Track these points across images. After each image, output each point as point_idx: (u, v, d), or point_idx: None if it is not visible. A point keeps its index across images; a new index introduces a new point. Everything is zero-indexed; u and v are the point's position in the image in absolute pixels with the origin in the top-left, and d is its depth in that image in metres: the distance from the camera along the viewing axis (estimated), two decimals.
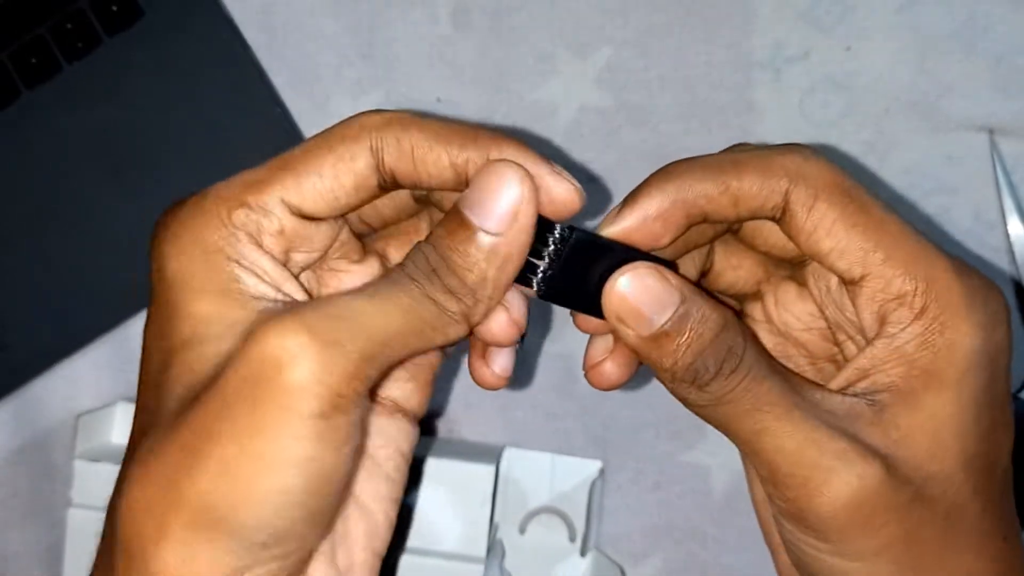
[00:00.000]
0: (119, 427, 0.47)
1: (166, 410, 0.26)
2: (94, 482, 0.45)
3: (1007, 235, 0.46)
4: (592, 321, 0.29)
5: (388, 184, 0.28)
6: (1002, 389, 0.28)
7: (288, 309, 0.25)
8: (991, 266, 0.46)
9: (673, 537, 0.47)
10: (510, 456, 0.46)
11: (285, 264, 0.28)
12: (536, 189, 0.27)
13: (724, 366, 0.26)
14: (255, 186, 0.27)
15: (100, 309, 0.48)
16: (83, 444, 0.46)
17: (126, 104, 0.48)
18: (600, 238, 0.28)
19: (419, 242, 0.27)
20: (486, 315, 0.27)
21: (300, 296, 0.28)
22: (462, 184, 0.28)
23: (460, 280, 0.27)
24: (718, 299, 0.29)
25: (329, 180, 0.27)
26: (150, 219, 0.47)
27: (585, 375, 0.30)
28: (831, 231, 0.27)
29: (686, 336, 0.26)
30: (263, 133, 0.48)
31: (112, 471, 0.44)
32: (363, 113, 0.28)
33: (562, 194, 0.27)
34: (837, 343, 0.31)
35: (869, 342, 0.28)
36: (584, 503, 0.46)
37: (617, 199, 0.48)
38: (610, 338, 0.30)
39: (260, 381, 0.24)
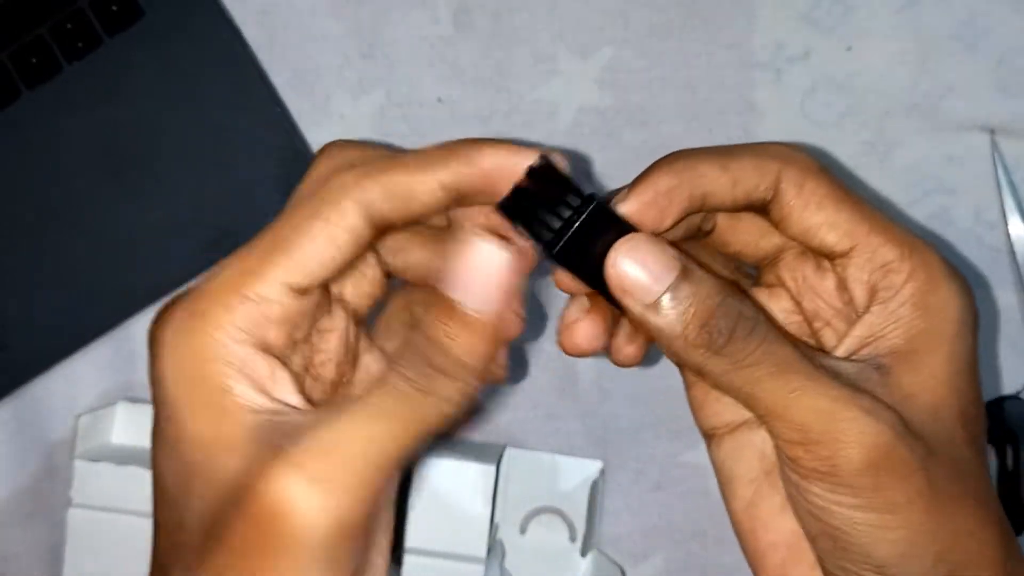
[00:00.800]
0: (119, 427, 0.47)
1: (187, 543, 0.27)
2: (94, 482, 0.45)
3: (1008, 235, 0.46)
4: (577, 347, 0.30)
5: (382, 229, 0.28)
6: (976, 358, 0.29)
7: (280, 445, 0.26)
8: (991, 266, 0.46)
9: (674, 537, 0.47)
10: (510, 456, 0.46)
11: (285, 349, 0.28)
12: (516, 258, 0.27)
13: (738, 329, 0.27)
14: (251, 276, 0.27)
15: (100, 309, 0.48)
16: (83, 444, 0.46)
17: (126, 104, 0.48)
18: (615, 214, 0.28)
19: (410, 332, 0.27)
20: (481, 383, 0.28)
21: (292, 396, 0.28)
22: (456, 202, 0.28)
23: (452, 360, 0.27)
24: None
25: (323, 245, 0.27)
26: (150, 219, 0.48)
27: (558, 339, 0.30)
28: (821, 205, 0.29)
29: (691, 299, 0.27)
30: (263, 133, 0.48)
31: (112, 471, 0.44)
32: (334, 171, 0.28)
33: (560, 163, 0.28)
34: (814, 333, 0.32)
35: (865, 311, 0.29)
36: (585, 503, 0.46)
37: None
38: (586, 300, 0.30)
39: (267, 533, 0.25)
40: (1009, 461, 0.45)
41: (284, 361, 0.28)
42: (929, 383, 0.28)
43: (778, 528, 0.31)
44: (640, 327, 0.28)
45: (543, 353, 0.48)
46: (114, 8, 0.47)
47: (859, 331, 0.29)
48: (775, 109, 0.47)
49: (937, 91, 0.46)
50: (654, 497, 0.47)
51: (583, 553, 0.46)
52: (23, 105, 0.48)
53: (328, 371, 0.31)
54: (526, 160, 0.28)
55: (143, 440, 0.46)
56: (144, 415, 0.47)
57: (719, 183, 0.29)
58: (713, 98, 0.47)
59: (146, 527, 0.44)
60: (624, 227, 0.28)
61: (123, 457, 0.45)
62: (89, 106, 0.48)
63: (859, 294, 0.29)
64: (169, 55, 0.48)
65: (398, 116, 0.48)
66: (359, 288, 0.32)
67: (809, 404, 0.27)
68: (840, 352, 0.29)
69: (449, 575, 0.43)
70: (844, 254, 0.29)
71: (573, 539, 0.46)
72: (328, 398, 0.30)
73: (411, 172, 0.28)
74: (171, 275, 0.48)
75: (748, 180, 0.29)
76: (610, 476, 0.47)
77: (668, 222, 0.29)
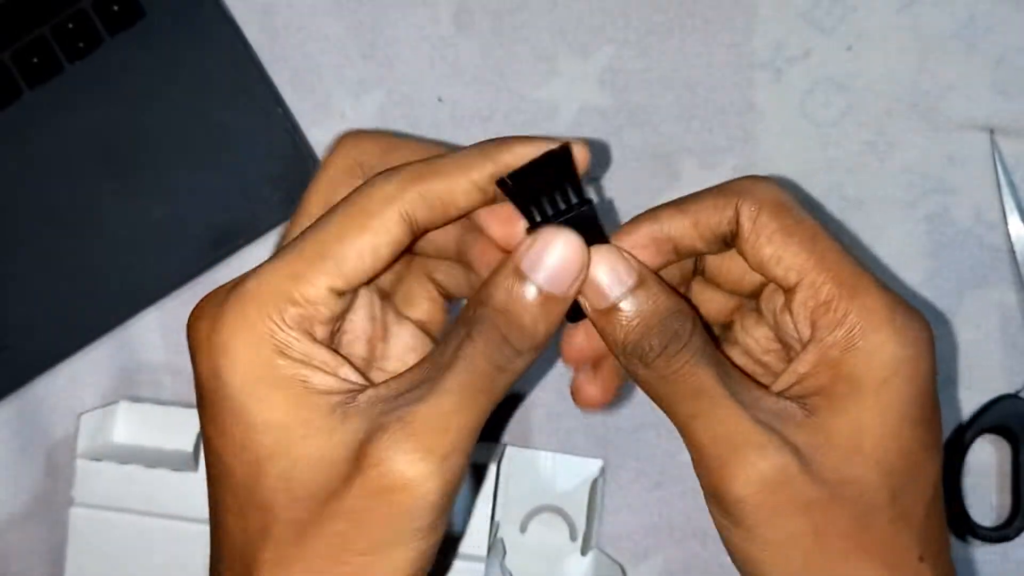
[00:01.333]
0: (120, 426, 0.47)
1: (279, 520, 0.28)
2: (96, 481, 0.45)
3: (1008, 235, 0.46)
4: (577, 352, 0.32)
5: (420, 234, 0.30)
6: (930, 414, 0.29)
7: (384, 422, 0.28)
8: (991, 266, 0.46)
9: (674, 536, 0.47)
10: (511, 455, 0.46)
11: (332, 341, 0.30)
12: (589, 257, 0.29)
13: (669, 347, 0.29)
14: (299, 281, 0.28)
15: (102, 308, 0.48)
16: (85, 443, 0.46)
17: (127, 104, 0.48)
18: (600, 224, 0.30)
19: (475, 302, 0.29)
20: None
21: (354, 375, 0.29)
22: (490, 199, 0.30)
23: (528, 339, 0.29)
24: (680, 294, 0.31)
25: (369, 258, 0.29)
26: (151, 218, 0.48)
27: (572, 397, 0.34)
28: (771, 239, 0.29)
29: (635, 313, 0.29)
30: (264, 133, 0.48)
31: (114, 470, 0.45)
32: (375, 180, 0.29)
33: (582, 154, 0.30)
34: (789, 360, 0.32)
35: (803, 348, 0.29)
36: (585, 502, 0.46)
37: (618, 198, 0.48)
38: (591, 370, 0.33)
39: (386, 500, 0.27)
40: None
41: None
42: (848, 429, 0.28)
43: None
44: (593, 325, 0.30)
45: (544, 352, 0.48)
46: (115, 8, 0.47)
47: (796, 367, 0.29)
48: (775, 109, 0.47)
49: (937, 91, 0.46)
50: (654, 496, 0.47)
51: (583, 552, 0.46)
52: (24, 104, 0.48)
53: (359, 348, 0.33)
54: (545, 143, 0.29)
55: (145, 439, 0.47)
56: (145, 414, 0.47)
57: (681, 226, 0.30)
58: (713, 98, 0.47)
59: (148, 525, 0.44)
60: (601, 239, 0.30)
61: (125, 456, 0.45)
62: (90, 106, 0.48)
63: (802, 329, 0.30)
64: (170, 55, 0.48)
65: (399, 115, 0.48)
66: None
67: (707, 429, 0.28)
68: (777, 385, 0.30)
69: (450, 573, 0.43)
70: (791, 288, 0.30)
71: (573, 538, 0.46)
72: (367, 373, 0.31)
73: (449, 178, 0.29)
74: (172, 274, 0.48)
75: (708, 219, 0.30)
76: (610, 475, 0.47)
77: None
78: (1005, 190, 0.46)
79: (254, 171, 0.48)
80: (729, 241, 0.31)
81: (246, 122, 0.48)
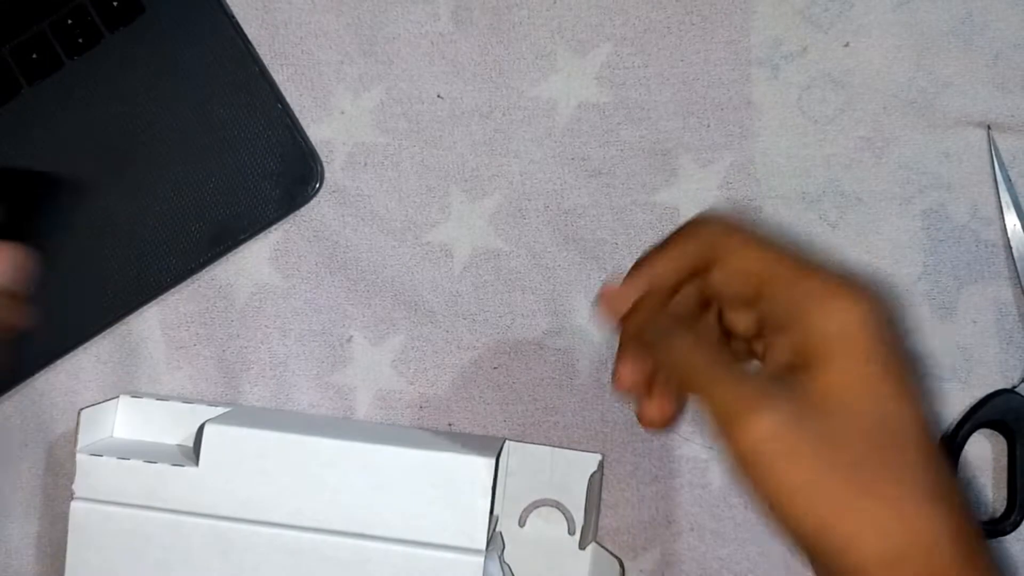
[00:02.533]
0: (121, 421, 0.47)
1: None
2: (96, 476, 0.45)
3: (1004, 230, 0.46)
4: (624, 381, 0.37)
5: None
6: (896, 368, 0.32)
7: None
8: (988, 261, 0.46)
9: (672, 530, 0.47)
10: (510, 449, 0.46)
11: None
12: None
13: (674, 332, 0.34)
14: None
15: (102, 304, 0.48)
16: (85, 438, 0.46)
17: (127, 100, 0.48)
18: None
19: None
20: None
21: None
22: None
23: None
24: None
25: None
26: (151, 215, 0.48)
27: (639, 421, 0.38)
28: (723, 269, 0.35)
29: (639, 315, 0.36)
30: (264, 129, 0.48)
31: (114, 464, 0.45)
32: None
33: None
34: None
35: (774, 333, 0.34)
36: (583, 496, 0.46)
37: (616, 196, 0.48)
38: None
39: None
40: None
41: None
42: (823, 391, 0.31)
43: None
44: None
45: (542, 348, 0.48)
46: (115, 4, 0.47)
47: (772, 354, 0.33)
48: (772, 105, 0.47)
49: (934, 87, 0.46)
50: (652, 490, 0.47)
51: (582, 546, 0.46)
52: (24, 101, 0.48)
53: None
54: None
55: (144, 434, 0.47)
56: (145, 409, 0.47)
57: (665, 271, 0.36)
58: (711, 94, 0.47)
59: (148, 520, 0.44)
60: None
61: (124, 451, 0.45)
62: (89, 102, 0.48)
63: (766, 324, 0.35)
64: (170, 51, 0.48)
65: (398, 112, 0.48)
66: None
67: (727, 392, 0.32)
68: (765, 372, 0.34)
69: (449, 567, 0.43)
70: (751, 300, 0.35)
71: (572, 532, 0.46)
72: None
73: None
74: (172, 271, 0.48)
75: (679, 262, 0.36)
76: (609, 469, 0.48)
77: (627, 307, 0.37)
78: (1002, 186, 0.46)
79: (253, 167, 0.48)
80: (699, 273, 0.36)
81: (246, 118, 0.48)
